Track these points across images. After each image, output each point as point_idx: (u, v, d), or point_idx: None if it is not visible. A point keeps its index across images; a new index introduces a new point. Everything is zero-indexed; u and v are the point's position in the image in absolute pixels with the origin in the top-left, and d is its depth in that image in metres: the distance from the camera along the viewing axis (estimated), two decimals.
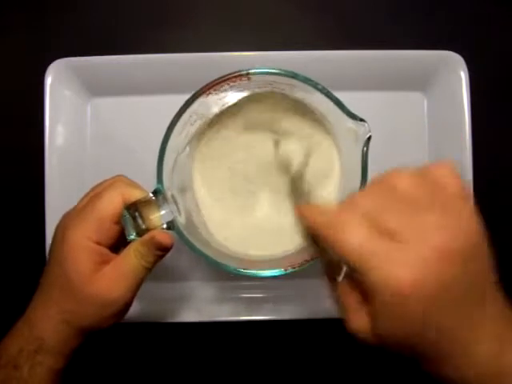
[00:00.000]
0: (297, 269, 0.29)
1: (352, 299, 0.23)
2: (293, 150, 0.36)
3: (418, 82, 0.42)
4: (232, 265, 0.29)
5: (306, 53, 0.40)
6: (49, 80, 0.39)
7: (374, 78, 0.41)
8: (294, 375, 0.44)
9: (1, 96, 0.44)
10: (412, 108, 0.42)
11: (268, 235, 0.36)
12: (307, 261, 0.29)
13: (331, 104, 0.29)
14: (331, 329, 0.43)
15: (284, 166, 0.35)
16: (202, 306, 0.41)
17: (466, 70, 0.40)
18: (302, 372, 0.44)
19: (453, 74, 0.40)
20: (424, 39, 0.42)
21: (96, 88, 0.41)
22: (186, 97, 0.41)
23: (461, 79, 0.40)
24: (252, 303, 0.41)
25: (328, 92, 0.28)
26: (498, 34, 0.44)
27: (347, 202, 0.23)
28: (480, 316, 0.21)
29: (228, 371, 0.44)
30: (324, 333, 0.43)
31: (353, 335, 0.23)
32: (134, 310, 0.32)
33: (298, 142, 0.36)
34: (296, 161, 0.35)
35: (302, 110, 0.35)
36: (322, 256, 0.26)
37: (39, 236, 0.39)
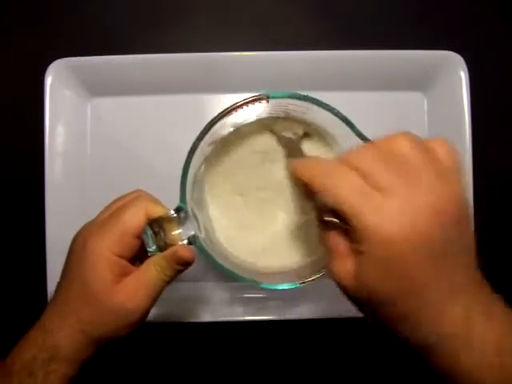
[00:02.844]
0: (310, 282, 0.30)
1: (340, 246, 0.24)
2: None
3: (418, 82, 0.41)
4: (249, 277, 0.30)
5: (306, 53, 0.40)
6: (49, 80, 0.39)
7: (374, 77, 0.41)
8: (300, 374, 0.44)
9: (1, 96, 0.44)
10: (412, 108, 0.42)
11: (281, 246, 0.36)
12: (318, 277, 0.30)
13: (343, 126, 0.29)
14: (337, 328, 0.43)
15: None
16: (209, 306, 0.41)
17: (466, 70, 0.40)
18: (308, 371, 0.44)
19: (453, 74, 0.40)
20: (424, 39, 0.42)
21: (96, 88, 0.41)
22: (186, 97, 0.42)
23: (461, 79, 0.40)
24: (259, 303, 0.41)
25: (344, 117, 0.30)
26: (498, 34, 0.44)
27: (343, 156, 0.23)
28: (458, 278, 0.22)
29: (236, 370, 0.44)
30: (330, 332, 0.43)
31: (334, 280, 0.24)
32: None
33: None
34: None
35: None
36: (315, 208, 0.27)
37: (39, 237, 0.39)
